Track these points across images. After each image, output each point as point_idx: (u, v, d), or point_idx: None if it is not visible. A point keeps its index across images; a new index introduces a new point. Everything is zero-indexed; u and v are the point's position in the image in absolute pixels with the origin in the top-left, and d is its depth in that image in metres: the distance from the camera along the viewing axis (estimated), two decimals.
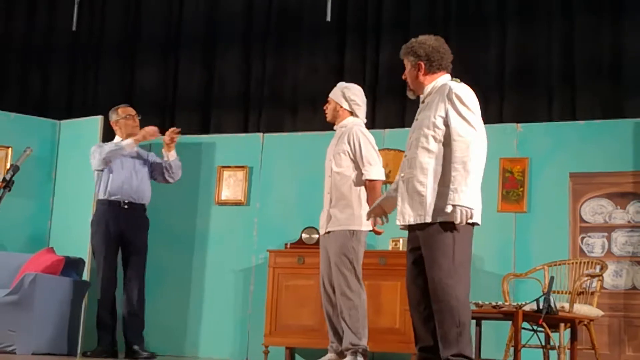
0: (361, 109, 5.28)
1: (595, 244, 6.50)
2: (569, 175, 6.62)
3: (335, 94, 5.29)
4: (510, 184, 6.74)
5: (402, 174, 4.15)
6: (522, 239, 6.65)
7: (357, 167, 5.08)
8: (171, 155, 6.49)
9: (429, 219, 4.00)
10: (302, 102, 8.05)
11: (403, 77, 4.31)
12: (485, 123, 7.44)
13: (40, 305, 6.12)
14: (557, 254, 6.32)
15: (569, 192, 6.60)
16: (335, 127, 5.31)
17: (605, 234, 6.50)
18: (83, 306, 6.70)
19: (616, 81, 7.09)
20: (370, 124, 7.71)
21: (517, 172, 6.73)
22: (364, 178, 5.05)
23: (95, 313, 6.44)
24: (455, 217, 3.89)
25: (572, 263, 6.04)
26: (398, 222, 4.16)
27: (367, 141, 5.09)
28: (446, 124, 4.02)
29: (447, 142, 4.02)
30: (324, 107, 5.35)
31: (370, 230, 5.15)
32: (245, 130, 8.13)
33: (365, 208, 5.02)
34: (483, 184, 6.84)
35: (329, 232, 5.11)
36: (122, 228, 6.32)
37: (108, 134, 7.42)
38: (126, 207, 6.32)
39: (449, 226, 3.95)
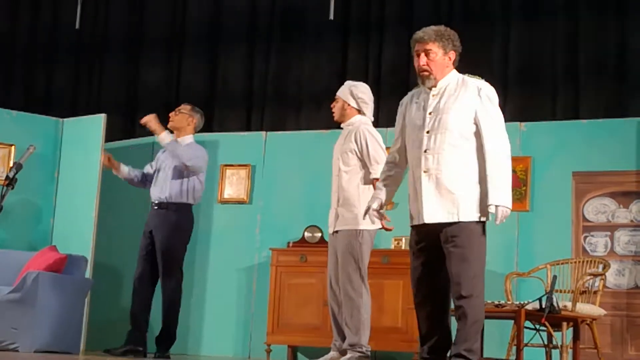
0: (369, 107, 5.26)
1: (598, 243, 6.49)
2: (572, 174, 6.61)
3: (343, 92, 5.26)
4: (513, 183, 6.70)
5: (425, 170, 4.04)
6: (524, 238, 6.65)
7: (365, 166, 5.07)
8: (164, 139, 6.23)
9: (461, 218, 3.98)
10: (306, 100, 8.06)
11: (420, 62, 4.15)
12: None
13: (42, 303, 6.12)
14: (559, 253, 6.32)
15: (572, 191, 6.60)
16: (342, 126, 5.29)
17: (608, 233, 6.49)
18: (86, 304, 6.70)
19: (620, 80, 7.09)
20: (374, 122, 7.69)
21: (520, 171, 6.72)
22: (371, 177, 5.04)
23: (98, 311, 6.44)
24: (497, 216, 3.95)
25: (575, 262, 6.04)
26: (427, 220, 4.03)
27: (375, 140, 5.08)
28: (475, 122, 4.05)
29: (475, 140, 4.05)
30: (332, 106, 5.30)
31: (380, 228, 5.12)
32: (248, 129, 8.14)
33: None
34: None
35: (336, 232, 5.10)
36: (151, 229, 6.24)
37: (111, 133, 7.44)
38: (156, 207, 6.26)
39: (480, 225, 4.01)
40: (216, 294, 7.37)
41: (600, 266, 5.82)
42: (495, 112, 4.08)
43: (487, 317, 5.19)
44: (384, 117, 7.71)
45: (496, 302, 5.05)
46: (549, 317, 4.90)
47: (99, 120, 7.32)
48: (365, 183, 5.06)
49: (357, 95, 5.23)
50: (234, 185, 7.51)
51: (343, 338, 5.11)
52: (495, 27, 7.53)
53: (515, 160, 6.72)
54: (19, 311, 6.06)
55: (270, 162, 7.49)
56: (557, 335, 5.49)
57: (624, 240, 6.44)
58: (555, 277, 5.13)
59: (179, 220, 6.21)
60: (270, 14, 8.36)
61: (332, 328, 5.20)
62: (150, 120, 6.26)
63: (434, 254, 4.07)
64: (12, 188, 4.91)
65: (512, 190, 6.64)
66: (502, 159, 4.03)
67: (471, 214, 3.99)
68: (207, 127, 8.26)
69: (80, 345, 6.50)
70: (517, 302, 5.12)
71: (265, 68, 8.28)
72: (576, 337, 5.35)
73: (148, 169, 6.46)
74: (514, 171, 6.71)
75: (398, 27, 7.81)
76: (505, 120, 7.03)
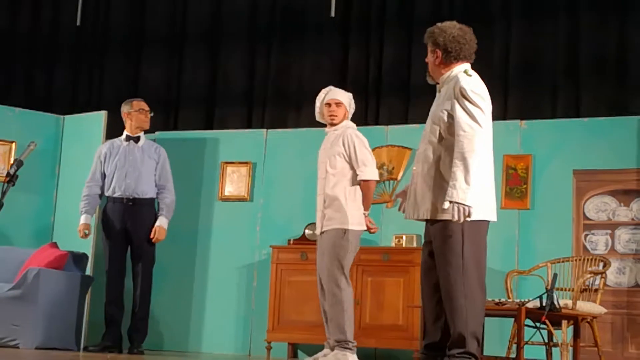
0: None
1: (599, 241, 6.49)
2: (572, 172, 6.61)
3: (346, 99, 5.36)
4: (514, 181, 6.73)
5: (414, 168, 4.14)
6: (525, 236, 6.65)
7: (352, 168, 5.18)
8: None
9: (433, 215, 3.98)
10: (306, 98, 8.04)
11: (426, 60, 4.25)
12: None
13: (43, 300, 6.12)
14: (560, 251, 6.32)
15: (573, 189, 6.59)
16: (327, 130, 5.38)
17: (609, 231, 6.49)
18: (86, 301, 6.71)
19: (621, 78, 7.08)
20: (374, 120, 7.73)
21: (521, 169, 6.72)
22: (359, 179, 5.15)
23: (99, 308, 6.49)
24: (453, 214, 3.84)
25: (576, 260, 6.04)
26: (405, 217, 4.17)
27: (362, 143, 5.20)
28: (452, 117, 3.97)
29: (453, 137, 3.96)
30: (333, 110, 5.28)
31: (365, 230, 5.23)
32: (249, 126, 8.13)
33: (359, 208, 5.13)
34: None
35: (323, 232, 5.20)
36: (126, 224, 6.35)
37: (112, 129, 7.44)
38: (130, 203, 6.36)
39: (461, 225, 3.89)
40: (217, 291, 7.37)
41: (601, 264, 5.82)
42: (469, 106, 3.93)
43: (487, 315, 5.19)
44: (384, 115, 7.72)
45: (497, 300, 5.05)
46: (550, 315, 4.90)
47: (100, 118, 7.33)
48: (353, 185, 5.17)
49: (352, 105, 5.40)
50: (234, 183, 7.51)
51: None
52: (495, 25, 7.52)
53: (515, 158, 6.77)
54: (20, 308, 6.07)
55: (271, 159, 7.49)
56: (557, 334, 5.49)
57: (625, 239, 6.44)
58: (555, 275, 5.13)
59: (153, 215, 6.45)
60: (271, 12, 8.36)
61: (325, 325, 5.23)
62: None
63: (431, 251, 4.08)
64: (13, 185, 4.91)
65: (513, 189, 6.71)
66: (463, 153, 3.87)
67: (445, 213, 3.92)
68: (207, 125, 8.29)
69: (81, 342, 6.51)
70: (518, 300, 5.12)
71: (266, 66, 8.28)
72: (576, 335, 5.36)
73: (97, 181, 6.52)
74: (514, 169, 6.72)
75: (399, 26, 7.80)
76: (506, 118, 7.14)
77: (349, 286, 5.10)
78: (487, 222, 4.03)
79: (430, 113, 4.16)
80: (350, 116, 5.37)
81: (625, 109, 6.89)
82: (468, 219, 3.85)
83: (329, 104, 5.32)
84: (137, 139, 6.53)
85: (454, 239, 3.93)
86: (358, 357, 5.09)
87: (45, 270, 6.18)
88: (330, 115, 5.30)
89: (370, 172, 5.14)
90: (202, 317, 7.37)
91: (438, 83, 4.22)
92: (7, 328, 6.07)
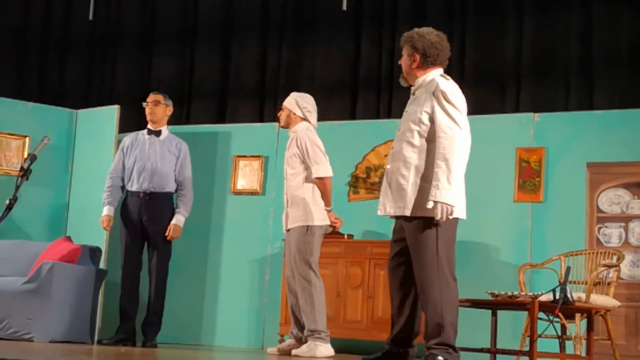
0: (312, 115, 5.66)
1: (612, 234, 6.47)
2: (586, 165, 6.58)
3: (289, 103, 5.67)
4: (527, 174, 6.71)
5: (388, 166, 4.29)
6: (538, 229, 6.63)
7: (308, 167, 5.43)
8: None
9: (408, 212, 4.16)
10: (318, 92, 7.98)
11: (399, 62, 4.44)
12: (501, 112, 7.43)
13: (57, 293, 6.15)
14: (573, 244, 6.30)
15: (586, 182, 6.57)
16: (289, 133, 5.67)
17: (623, 224, 6.46)
18: (100, 294, 6.74)
19: (634, 70, 7.04)
20: (387, 114, 7.72)
21: (534, 161, 6.70)
22: (313, 177, 5.41)
23: (112, 301, 6.51)
24: (436, 213, 4.03)
25: (589, 253, 6.02)
26: (379, 212, 4.33)
27: (313, 142, 5.46)
28: (432, 120, 4.15)
29: (431, 138, 4.16)
30: (278, 114, 5.68)
31: (329, 225, 5.47)
32: (261, 120, 8.14)
33: (319, 205, 5.39)
34: (499, 173, 6.85)
35: (289, 230, 5.48)
36: (143, 218, 6.38)
37: (124, 124, 7.47)
38: (148, 197, 6.38)
39: (432, 221, 4.09)
40: (229, 285, 7.39)
41: (615, 257, 5.80)
42: (449, 108, 4.13)
43: (500, 308, 5.19)
44: (397, 108, 7.70)
45: (509, 293, 5.04)
46: (563, 308, 4.88)
47: (113, 112, 7.35)
48: (309, 182, 5.43)
49: (302, 105, 5.65)
50: (247, 177, 7.52)
51: (300, 327, 5.50)
52: (508, 17, 7.49)
53: (528, 151, 6.75)
54: (34, 301, 6.10)
55: (283, 153, 7.47)
56: (570, 327, 5.48)
57: (639, 232, 6.41)
58: (569, 268, 5.11)
59: (171, 210, 6.47)
60: (283, 5, 8.36)
61: (290, 317, 5.59)
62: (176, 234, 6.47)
63: (403, 248, 4.28)
64: (27, 179, 4.93)
65: (526, 181, 6.69)
66: (445, 155, 4.07)
67: (420, 210, 4.12)
68: (220, 119, 8.31)
69: (95, 336, 6.54)
70: (531, 293, 5.11)
71: (278, 59, 8.28)
72: (590, 328, 5.34)
73: (119, 172, 6.52)
74: (527, 162, 6.70)
75: (411, 19, 7.76)
76: (519, 111, 7.12)
77: (318, 279, 5.36)
78: (458, 219, 4.22)
79: (405, 114, 4.33)
80: (307, 116, 5.59)
81: (639, 102, 6.85)
82: (450, 217, 4.06)
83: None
84: (158, 133, 6.54)
85: (429, 236, 4.12)
86: (371, 351, 5.11)
87: (59, 264, 6.21)
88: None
89: (323, 169, 5.38)
90: (215, 311, 7.39)
91: (412, 85, 4.38)
92: (21, 321, 6.10)
